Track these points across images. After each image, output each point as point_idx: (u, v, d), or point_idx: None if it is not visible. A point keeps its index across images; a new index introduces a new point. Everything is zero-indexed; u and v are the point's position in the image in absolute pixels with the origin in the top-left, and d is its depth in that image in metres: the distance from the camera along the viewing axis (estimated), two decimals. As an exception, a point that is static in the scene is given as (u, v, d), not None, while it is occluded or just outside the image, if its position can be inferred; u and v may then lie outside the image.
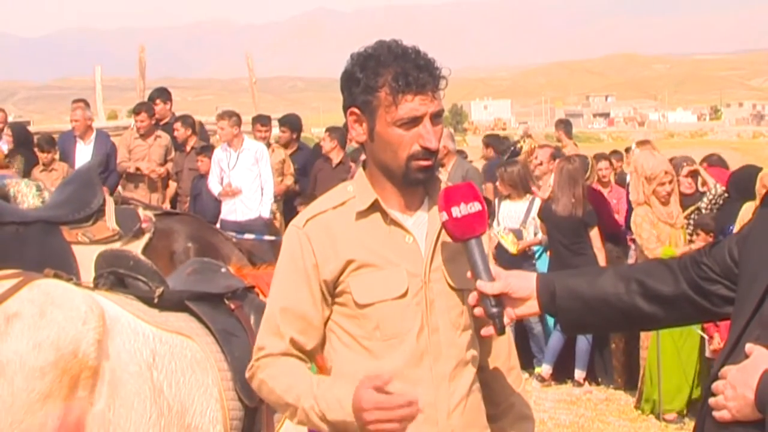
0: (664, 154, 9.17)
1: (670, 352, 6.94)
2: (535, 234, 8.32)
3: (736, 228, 6.21)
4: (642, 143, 10.12)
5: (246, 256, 5.77)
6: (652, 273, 2.36)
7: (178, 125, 10.77)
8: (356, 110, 2.40)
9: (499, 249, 8.26)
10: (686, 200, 8.03)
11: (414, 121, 2.34)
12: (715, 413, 2.07)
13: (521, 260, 8.10)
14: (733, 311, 2.21)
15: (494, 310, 2.32)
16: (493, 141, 12.21)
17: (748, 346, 2.05)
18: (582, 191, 7.86)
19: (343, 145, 10.27)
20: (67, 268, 4.25)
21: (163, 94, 11.52)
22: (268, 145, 10.42)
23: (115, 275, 3.36)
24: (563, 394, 7.82)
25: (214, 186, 9.76)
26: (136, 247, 5.38)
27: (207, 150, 10.18)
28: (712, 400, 2.08)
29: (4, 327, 2.76)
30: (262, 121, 11.10)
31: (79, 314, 2.83)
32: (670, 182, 7.11)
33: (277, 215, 10.32)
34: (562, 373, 8.14)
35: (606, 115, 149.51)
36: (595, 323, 2.51)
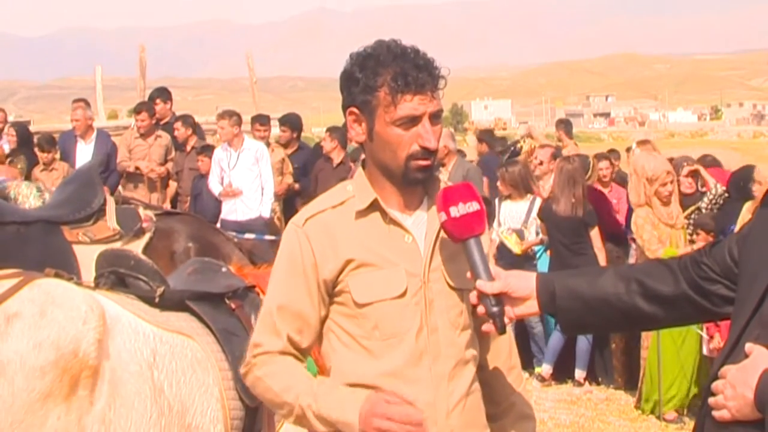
0: (664, 154, 9.19)
1: (670, 352, 6.94)
2: (537, 234, 8.32)
3: (737, 228, 6.21)
4: (642, 143, 10.11)
5: (247, 255, 5.77)
6: (652, 273, 2.36)
7: (178, 125, 10.76)
8: (355, 110, 2.40)
9: (501, 249, 8.26)
10: (686, 200, 8.03)
11: (413, 121, 2.34)
12: (715, 413, 2.07)
13: (523, 261, 8.09)
14: (733, 311, 2.21)
15: (495, 309, 2.32)
16: (486, 136, 12.19)
17: (748, 346, 2.05)
18: (582, 191, 7.86)
19: (343, 145, 10.27)
20: (67, 268, 4.25)
21: (163, 93, 11.52)
22: (267, 144, 10.42)
23: (116, 275, 3.36)
24: (563, 394, 7.82)
25: (214, 186, 9.75)
26: (137, 247, 5.38)
27: (207, 150, 10.18)
28: (711, 400, 2.08)
29: (5, 326, 2.76)
30: (260, 120, 11.10)
31: (80, 314, 2.83)
32: (672, 182, 7.12)
33: (278, 214, 10.32)
34: (562, 372, 8.15)
35: (606, 115, 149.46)
36: (595, 323, 2.51)
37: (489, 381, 2.55)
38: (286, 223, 2.73)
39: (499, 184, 8.62)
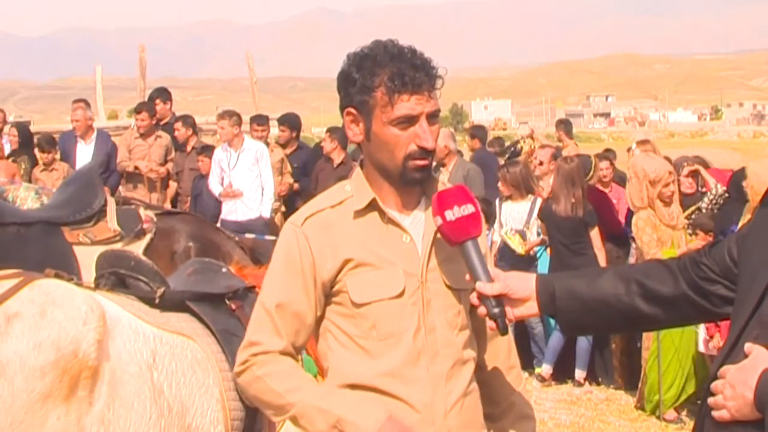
0: (664, 154, 9.18)
1: (670, 353, 6.94)
2: (538, 234, 8.31)
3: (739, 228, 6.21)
4: (642, 143, 10.10)
5: (249, 254, 5.76)
6: (652, 274, 2.36)
7: (178, 125, 10.77)
8: (353, 110, 2.40)
9: (503, 250, 8.26)
10: (686, 200, 8.03)
11: (410, 121, 2.35)
12: (715, 413, 2.07)
13: (524, 262, 8.09)
14: (733, 311, 2.21)
15: (496, 310, 2.32)
16: (479, 133, 12.18)
17: (747, 346, 2.05)
18: (582, 191, 7.85)
19: (344, 146, 10.26)
20: (68, 269, 4.25)
21: (162, 94, 11.52)
22: (267, 144, 10.42)
23: (117, 276, 3.36)
24: (563, 394, 7.82)
25: (214, 186, 9.76)
26: (138, 248, 5.37)
27: (207, 150, 10.18)
28: (711, 400, 2.08)
29: (5, 327, 2.76)
30: (258, 120, 11.10)
31: (80, 314, 2.83)
32: (673, 182, 7.12)
33: (279, 214, 10.32)
34: (562, 373, 8.15)
35: (606, 115, 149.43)
36: (595, 324, 2.51)
37: (488, 381, 2.55)
38: (286, 223, 2.73)
39: (500, 184, 8.61)
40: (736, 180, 7.79)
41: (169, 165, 10.54)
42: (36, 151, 10.11)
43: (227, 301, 3.42)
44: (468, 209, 2.33)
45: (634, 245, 8.11)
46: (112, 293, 3.25)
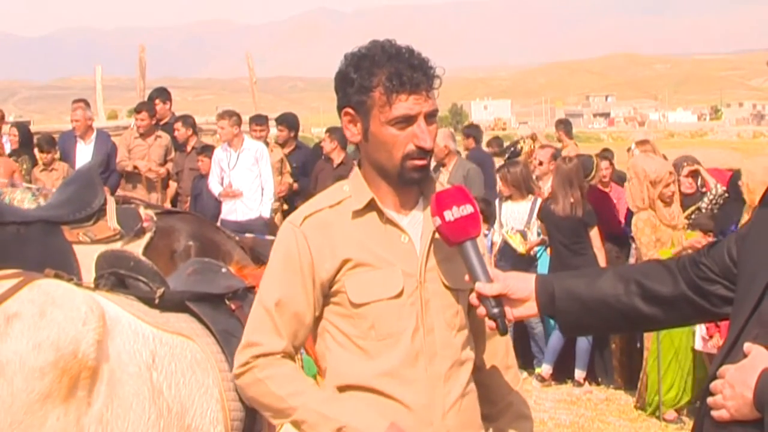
0: (664, 154, 9.18)
1: (670, 353, 6.94)
2: (539, 234, 8.31)
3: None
4: (641, 143, 10.09)
5: (249, 253, 5.75)
6: (651, 274, 2.36)
7: (178, 125, 10.77)
8: (351, 110, 2.40)
9: (504, 250, 8.26)
10: (686, 200, 8.03)
11: (408, 121, 2.34)
12: (714, 413, 2.07)
13: (525, 262, 8.09)
14: (732, 311, 2.21)
15: (495, 310, 2.32)
16: (473, 131, 12.20)
17: (747, 345, 2.05)
18: (581, 191, 7.86)
19: (343, 146, 10.26)
20: (68, 268, 4.25)
21: (162, 94, 11.52)
22: (266, 144, 10.43)
23: (116, 276, 3.36)
24: (563, 394, 7.82)
25: (214, 186, 9.76)
26: (138, 246, 5.37)
27: (207, 150, 10.18)
28: (710, 400, 2.08)
29: (4, 327, 2.75)
30: (257, 120, 11.10)
31: (80, 314, 2.83)
32: (674, 182, 7.12)
33: (279, 214, 10.32)
34: (562, 373, 8.15)
35: (606, 115, 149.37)
36: (594, 325, 2.51)
37: (486, 381, 2.55)
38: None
39: (500, 185, 8.61)
40: (735, 180, 7.79)
41: (169, 165, 10.54)
42: (36, 151, 10.11)
43: (227, 302, 3.42)
44: (467, 210, 2.32)
45: (634, 245, 8.11)
46: (112, 293, 3.25)
